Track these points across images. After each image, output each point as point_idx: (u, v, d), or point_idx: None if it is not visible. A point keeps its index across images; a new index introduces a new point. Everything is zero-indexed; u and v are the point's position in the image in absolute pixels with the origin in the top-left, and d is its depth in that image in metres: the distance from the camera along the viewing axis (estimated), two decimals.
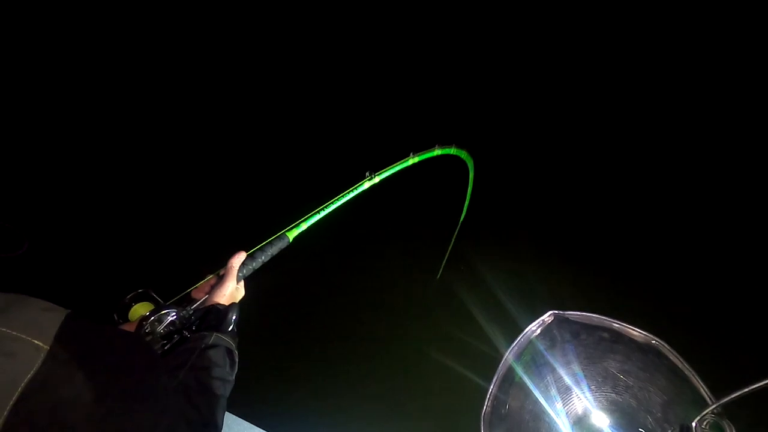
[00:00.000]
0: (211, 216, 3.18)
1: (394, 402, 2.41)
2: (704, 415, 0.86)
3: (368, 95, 3.66)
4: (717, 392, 0.80)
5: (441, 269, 2.86)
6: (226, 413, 0.84)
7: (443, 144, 1.80)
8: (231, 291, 0.98)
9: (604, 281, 2.68)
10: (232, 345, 0.87)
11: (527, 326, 1.00)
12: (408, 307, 2.81)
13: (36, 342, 0.54)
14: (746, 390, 0.81)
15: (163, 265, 2.75)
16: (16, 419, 0.50)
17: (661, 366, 0.90)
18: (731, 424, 0.75)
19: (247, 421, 1.81)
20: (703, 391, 0.82)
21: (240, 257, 1.02)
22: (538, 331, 1.06)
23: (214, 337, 0.85)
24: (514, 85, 3.62)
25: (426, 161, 1.71)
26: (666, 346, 0.88)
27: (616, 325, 0.95)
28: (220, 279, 0.99)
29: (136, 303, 0.91)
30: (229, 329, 0.89)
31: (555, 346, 1.18)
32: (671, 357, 0.87)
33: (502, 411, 1.14)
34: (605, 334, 1.03)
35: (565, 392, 1.22)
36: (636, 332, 0.93)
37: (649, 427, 1.10)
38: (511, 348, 1.01)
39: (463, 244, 2.86)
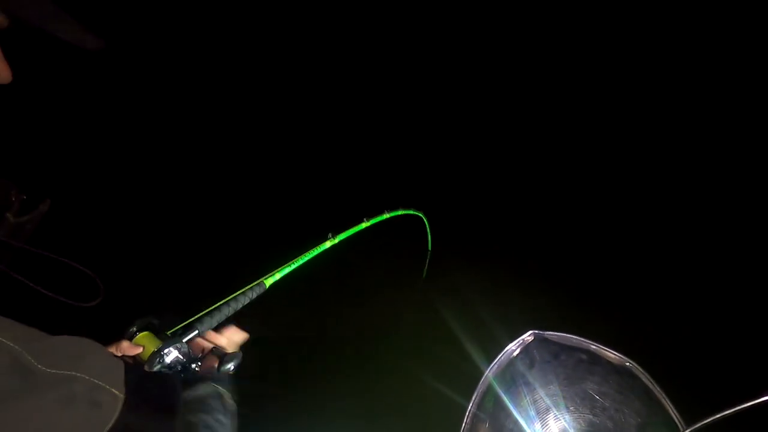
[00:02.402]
0: (182, 264, 3.30)
1: (370, 418, 2.40)
2: None
3: (331, 161, 3.99)
4: (686, 415, 0.82)
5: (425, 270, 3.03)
6: None
7: (391, 209, 2.17)
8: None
9: (582, 301, 2.73)
10: (223, 391, 0.89)
11: (507, 345, 1.02)
12: (386, 323, 2.83)
13: (114, 391, 0.55)
14: (717, 416, 0.83)
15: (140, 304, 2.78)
16: None
17: (636, 388, 0.92)
18: None
19: None
20: (674, 415, 0.84)
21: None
22: (518, 350, 1.08)
23: (204, 386, 0.87)
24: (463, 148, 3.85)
25: (382, 222, 2.05)
26: (639, 368, 0.90)
27: (593, 347, 0.97)
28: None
29: (140, 332, 0.99)
30: (220, 375, 0.93)
31: (535, 366, 1.20)
32: (644, 379, 0.89)
33: (482, 430, 1.15)
34: (584, 356, 1.05)
35: (544, 413, 1.23)
36: (611, 354, 0.95)
37: None
38: (490, 367, 1.02)
39: (442, 261, 2.98)
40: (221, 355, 0.99)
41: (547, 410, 1.25)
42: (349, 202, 3.68)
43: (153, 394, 0.63)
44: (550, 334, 0.99)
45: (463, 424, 0.94)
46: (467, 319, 2.67)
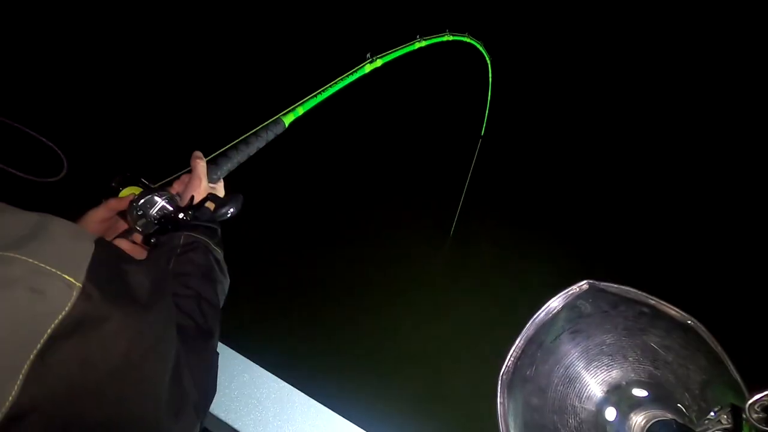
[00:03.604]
0: (200, 97, 2.93)
1: (398, 371, 2.40)
2: (761, 398, 0.79)
3: None
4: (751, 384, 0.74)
5: (453, 225, 2.71)
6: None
7: (455, 30, 1.59)
8: (201, 192, 0.87)
9: (637, 257, 2.47)
10: (210, 243, 0.78)
11: (550, 297, 0.97)
12: (420, 265, 2.72)
13: (68, 278, 0.45)
14: None
15: (149, 149, 2.67)
16: (36, 379, 0.41)
17: (701, 346, 0.84)
18: None
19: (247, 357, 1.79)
20: (738, 379, 0.76)
21: (197, 157, 0.91)
22: (572, 298, 1.03)
23: (184, 237, 0.77)
24: None
25: (436, 50, 1.50)
26: (702, 326, 0.81)
27: (653, 301, 0.89)
28: (189, 181, 0.90)
29: (123, 187, 0.87)
30: (205, 225, 0.80)
31: (591, 314, 1.13)
32: (707, 339, 0.81)
33: (527, 373, 1.14)
34: (645, 309, 0.97)
35: (600, 361, 1.18)
36: (673, 310, 0.87)
37: (686, 403, 1.05)
38: (538, 312, 0.99)
39: (477, 213, 2.67)
40: (218, 201, 0.86)
41: (604, 358, 1.20)
42: (395, 17, 2.73)
43: (129, 284, 0.51)
44: (606, 284, 0.92)
45: (504, 367, 0.93)
46: (505, 271, 2.51)
